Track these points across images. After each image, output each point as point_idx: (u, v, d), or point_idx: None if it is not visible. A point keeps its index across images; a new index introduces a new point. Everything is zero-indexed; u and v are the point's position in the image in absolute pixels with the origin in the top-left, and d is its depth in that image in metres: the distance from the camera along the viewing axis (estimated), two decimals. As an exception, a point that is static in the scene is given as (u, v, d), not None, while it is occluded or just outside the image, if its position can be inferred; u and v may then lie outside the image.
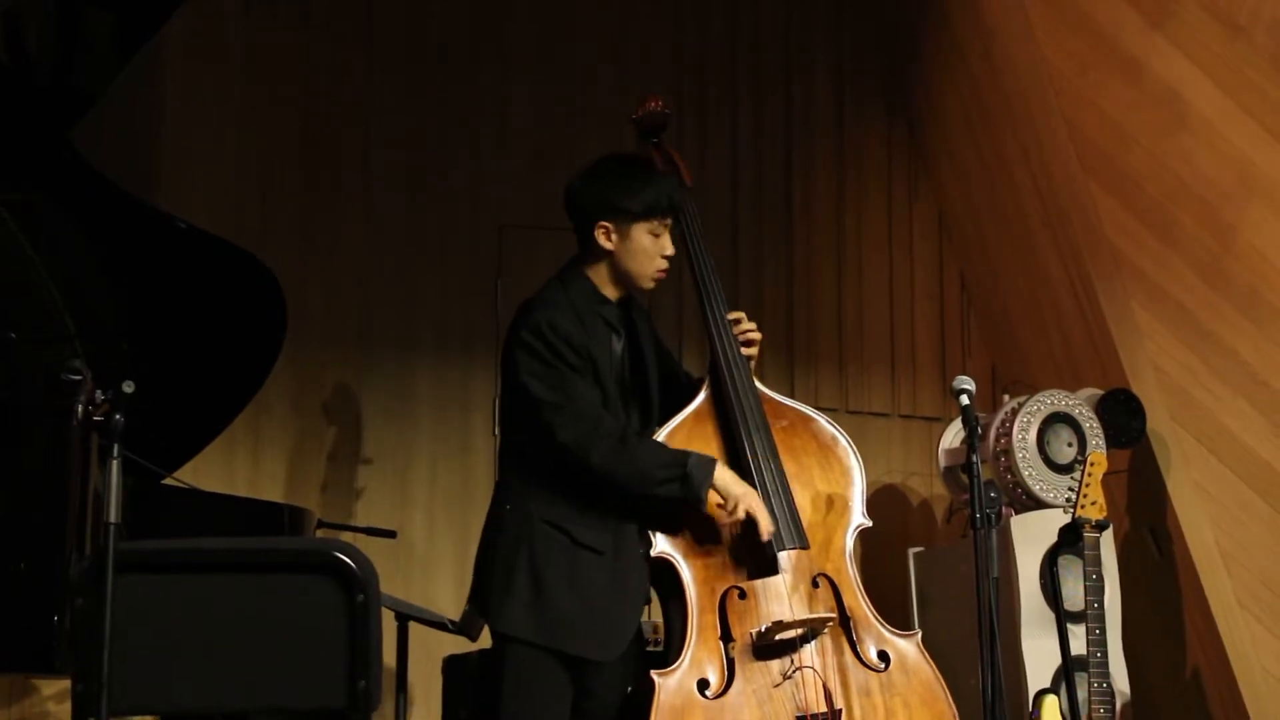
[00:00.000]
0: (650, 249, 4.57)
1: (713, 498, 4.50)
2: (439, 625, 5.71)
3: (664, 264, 4.61)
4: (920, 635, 4.70)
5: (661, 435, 4.62)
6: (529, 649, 4.45)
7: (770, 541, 4.53)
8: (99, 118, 5.52)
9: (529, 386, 4.47)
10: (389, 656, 5.47)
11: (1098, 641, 5.32)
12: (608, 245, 4.58)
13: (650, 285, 4.65)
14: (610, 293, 4.63)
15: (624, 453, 4.45)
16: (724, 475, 4.51)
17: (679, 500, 4.48)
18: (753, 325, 4.87)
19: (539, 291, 4.64)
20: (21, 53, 5.33)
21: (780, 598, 4.54)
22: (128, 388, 3.63)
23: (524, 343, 4.48)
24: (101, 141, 5.57)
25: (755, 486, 4.57)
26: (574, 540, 4.47)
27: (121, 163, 5.84)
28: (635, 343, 4.74)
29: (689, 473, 4.45)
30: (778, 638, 4.48)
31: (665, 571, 4.54)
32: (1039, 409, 6.37)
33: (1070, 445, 6.37)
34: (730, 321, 4.82)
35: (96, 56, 5.42)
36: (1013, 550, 6.11)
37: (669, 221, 4.61)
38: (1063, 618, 5.73)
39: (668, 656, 4.53)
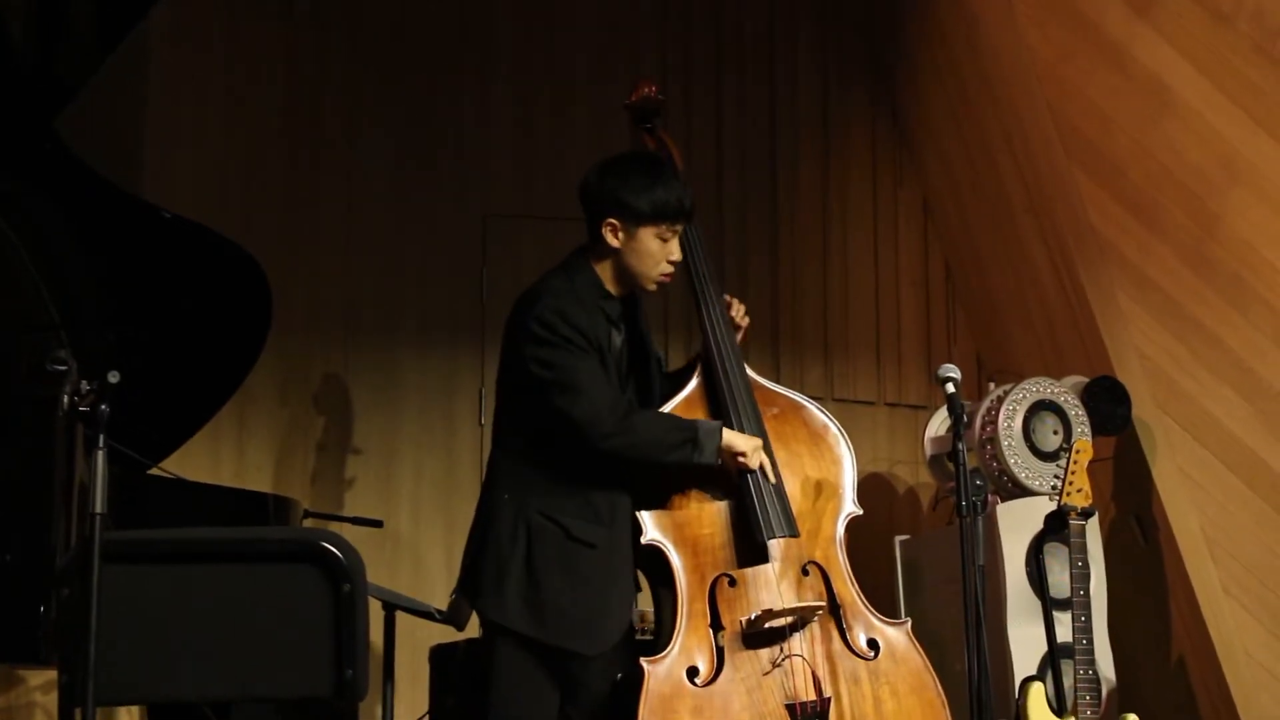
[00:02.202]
0: (656, 252, 4.56)
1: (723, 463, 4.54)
2: (426, 614, 5.70)
3: (669, 269, 4.60)
4: (910, 624, 4.70)
5: None
6: (519, 640, 4.44)
7: (760, 529, 4.53)
8: (82, 107, 5.51)
9: (538, 374, 4.45)
10: (376, 645, 5.47)
11: (1083, 629, 5.34)
12: (614, 242, 4.55)
13: (652, 287, 4.64)
14: (613, 289, 4.61)
15: (634, 424, 4.46)
16: (731, 434, 4.53)
17: (686, 469, 4.50)
18: (742, 308, 4.86)
19: (543, 279, 4.62)
20: (3, 41, 5.31)
21: (770, 586, 4.54)
22: (113, 378, 3.62)
23: (532, 332, 4.46)
24: (85, 131, 5.56)
25: (748, 475, 4.57)
26: (569, 535, 4.46)
27: (105, 152, 5.83)
28: (635, 339, 4.74)
29: (699, 437, 4.47)
30: (767, 626, 4.48)
31: (655, 559, 4.54)
32: (1024, 397, 6.38)
33: (1056, 433, 6.37)
34: (725, 310, 4.81)
35: (80, 46, 5.41)
36: (999, 538, 6.11)
37: (679, 227, 4.58)
38: (1049, 605, 5.74)
39: (657, 644, 4.53)
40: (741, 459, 4.53)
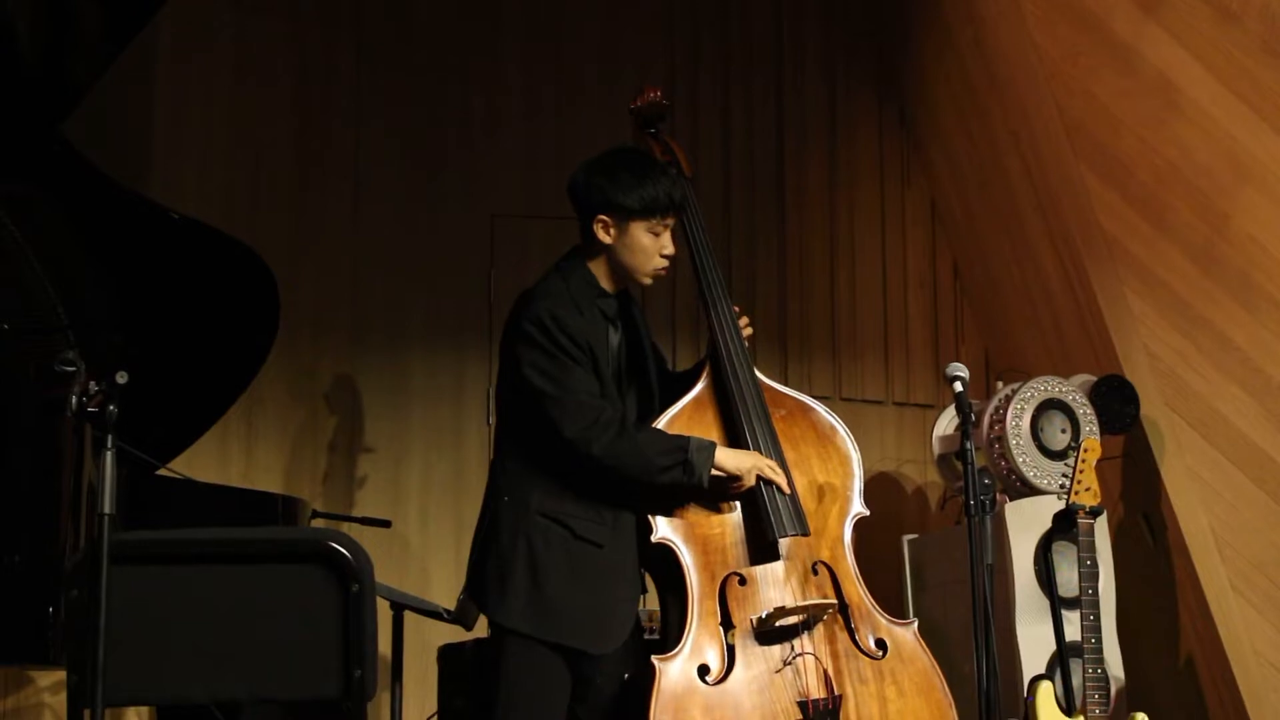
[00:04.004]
0: (649, 247, 4.56)
1: (720, 479, 4.51)
2: (434, 614, 5.71)
3: (664, 262, 4.60)
4: (917, 624, 4.70)
5: (662, 422, 4.62)
6: (527, 641, 4.44)
7: (772, 527, 4.53)
8: (90, 108, 5.51)
9: (530, 379, 4.46)
10: (384, 646, 5.47)
11: (1092, 627, 5.34)
12: (606, 240, 4.56)
13: (648, 281, 4.64)
14: (608, 286, 4.62)
15: (624, 443, 4.45)
16: (725, 455, 4.52)
17: (681, 485, 4.49)
18: (744, 320, 4.86)
19: (539, 282, 4.63)
20: (11, 43, 5.31)
21: (779, 584, 4.55)
22: (122, 379, 3.62)
23: (525, 334, 4.48)
24: (93, 131, 5.57)
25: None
26: (574, 534, 4.46)
27: (113, 152, 5.85)
28: (632, 335, 4.74)
29: (690, 458, 4.46)
30: (778, 624, 4.48)
31: (665, 557, 4.54)
32: (1032, 395, 6.38)
33: (1064, 431, 6.37)
34: (732, 310, 4.81)
35: (88, 47, 5.41)
36: (1007, 537, 6.12)
37: (669, 221, 4.59)
38: (1057, 604, 5.74)
39: (665, 643, 4.53)
40: (736, 485, 4.54)
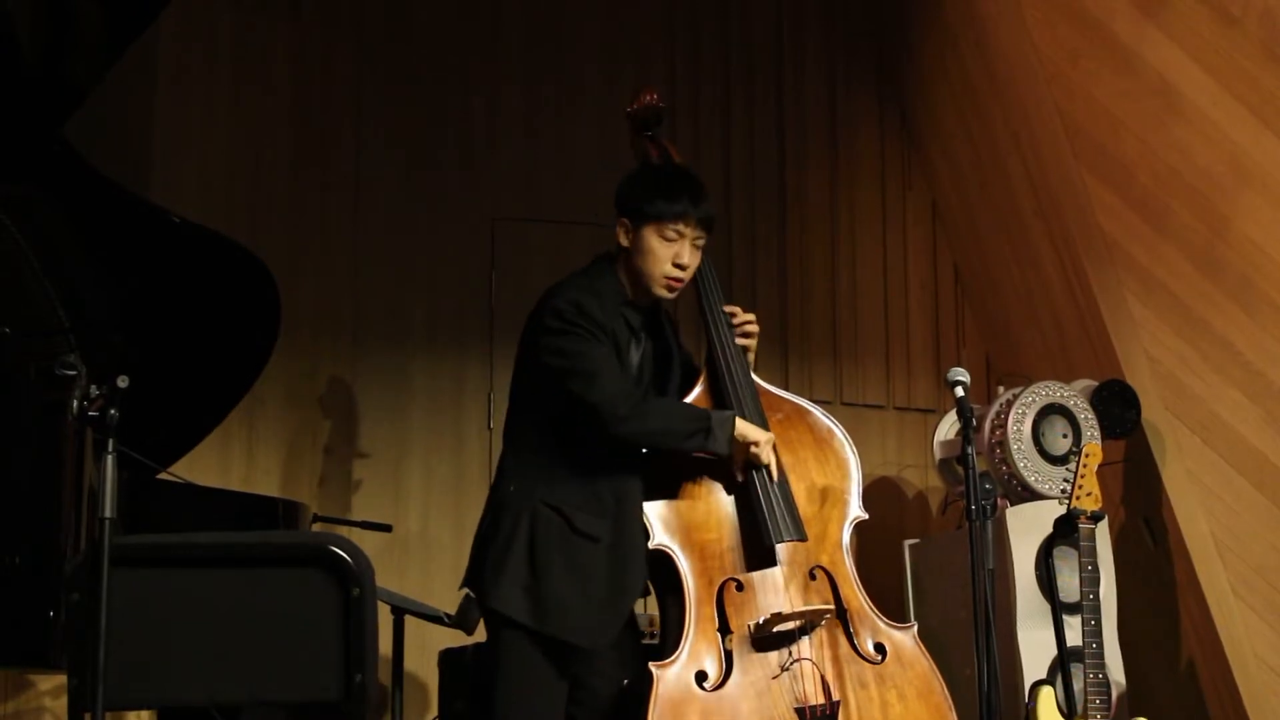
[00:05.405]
0: (659, 252, 4.56)
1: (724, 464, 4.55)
2: (435, 619, 5.71)
3: (675, 271, 4.58)
4: (916, 628, 4.70)
5: None
6: (521, 632, 4.45)
7: (768, 533, 4.53)
8: (90, 110, 5.50)
9: (551, 362, 4.48)
10: (385, 650, 5.47)
11: (1093, 632, 5.33)
12: (624, 242, 4.60)
13: (662, 291, 4.62)
14: (633, 294, 4.63)
15: (647, 410, 4.50)
16: (745, 424, 4.56)
17: (695, 465, 4.52)
18: (750, 317, 4.86)
19: (567, 278, 4.66)
20: (11, 44, 5.30)
21: (777, 590, 4.55)
22: (122, 382, 3.62)
23: (547, 323, 4.50)
24: (93, 134, 5.56)
25: (755, 479, 4.58)
26: (573, 527, 4.47)
27: (113, 155, 5.84)
28: (660, 350, 4.76)
29: (712, 426, 4.50)
30: (776, 630, 4.48)
31: (663, 564, 4.54)
32: (1034, 400, 6.37)
33: (1065, 436, 6.37)
34: (727, 314, 4.81)
35: (89, 49, 5.40)
36: (1008, 542, 6.11)
37: (682, 228, 4.57)
38: (1058, 609, 5.74)
39: (664, 649, 4.53)
40: (754, 449, 4.54)
